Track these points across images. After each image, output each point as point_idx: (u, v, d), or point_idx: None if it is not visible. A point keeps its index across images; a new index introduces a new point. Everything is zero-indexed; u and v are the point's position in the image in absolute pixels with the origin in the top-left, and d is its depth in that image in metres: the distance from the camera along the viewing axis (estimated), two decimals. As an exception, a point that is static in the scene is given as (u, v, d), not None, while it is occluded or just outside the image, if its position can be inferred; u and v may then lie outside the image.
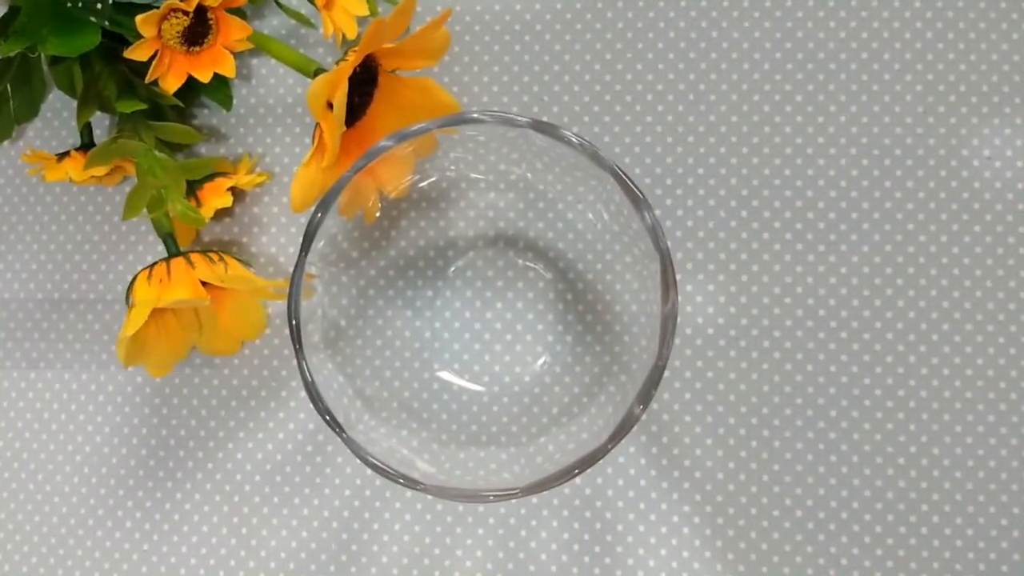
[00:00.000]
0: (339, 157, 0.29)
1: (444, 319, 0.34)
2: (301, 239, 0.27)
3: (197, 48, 0.31)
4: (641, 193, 0.26)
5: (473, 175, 0.33)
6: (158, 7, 0.29)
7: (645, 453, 0.33)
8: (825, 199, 0.33)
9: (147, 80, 0.31)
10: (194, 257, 0.31)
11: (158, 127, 0.33)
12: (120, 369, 0.36)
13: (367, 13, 0.32)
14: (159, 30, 0.30)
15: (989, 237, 0.32)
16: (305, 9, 0.34)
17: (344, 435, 0.27)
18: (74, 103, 0.35)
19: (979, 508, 0.31)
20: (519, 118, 0.27)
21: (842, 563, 0.32)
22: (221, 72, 0.32)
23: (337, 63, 0.28)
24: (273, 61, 0.36)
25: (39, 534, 0.36)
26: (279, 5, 0.33)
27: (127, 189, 0.34)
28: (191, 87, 0.32)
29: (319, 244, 0.28)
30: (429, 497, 0.33)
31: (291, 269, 0.29)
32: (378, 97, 0.31)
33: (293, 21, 0.34)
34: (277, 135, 0.36)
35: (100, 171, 0.33)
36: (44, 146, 0.38)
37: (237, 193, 0.35)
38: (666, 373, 0.32)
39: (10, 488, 0.36)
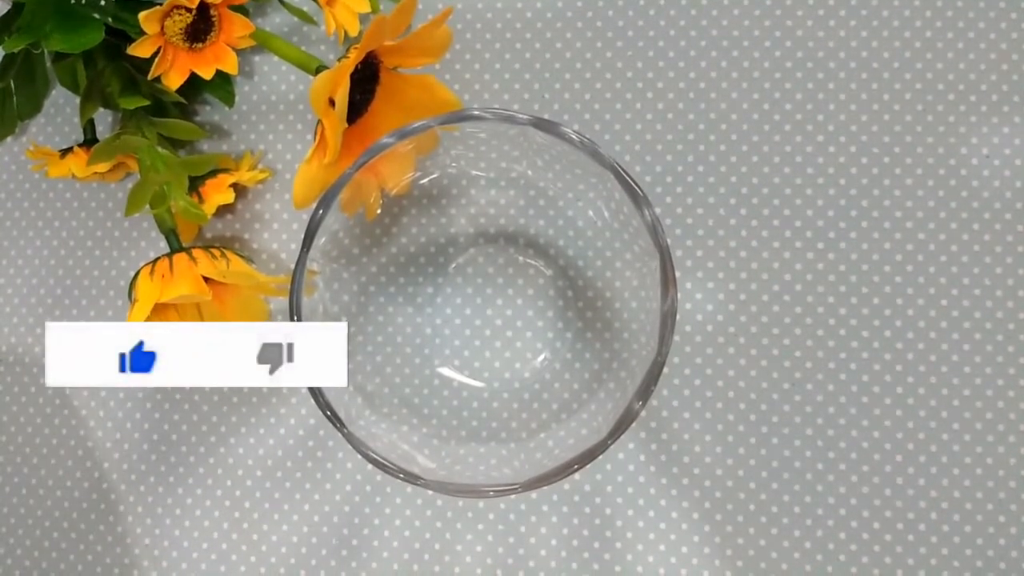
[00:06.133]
0: (341, 154, 0.29)
1: (445, 315, 0.34)
2: (303, 235, 0.28)
3: (200, 45, 0.31)
4: (641, 190, 0.27)
5: (474, 172, 0.33)
6: (161, 4, 0.29)
7: (644, 449, 0.33)
8: (824, 197, 0.33)
9: (150, 76, 0.31)
10: (196, 253, 0.31)
11: (161, 123, 0.33)
12: (122, 364, 0.36)
13: (369, 10, 0.32)
14: (162, 27, 0.30)
15: (987, 235, 0.32)
16: (307, 6, 0.34)
17: (345, 430, 0.27)
18: (77, 99, 0.35)
19: (977, 505, 0.32)
20: (520, 115, 0.27)
21: (840, 559, 0.32)
22: (223, 69, 0.32)
23: (339, 60, 0.28)
24: (275, 58, 0.36)
25: (41, 528, 0.36)
26: (281, 2, 0.33)
27: (129, 185, 0.34)
28: (194, 84, 0.32)
29: (321, 240, 0.29)
30: (429, 492, 0.34)
31: (292, 265, 0.29)
32: (380, 94, 0.32)
33: (295, 18, 0.34)
34: (279, 132, 0.36)
35: (103, 167, 0.33)
36: (47, 142, 0.38)
37: (239, 189, 0.35)
38: (665, 370, 0.33)
39: (12, 483, 0.36)
